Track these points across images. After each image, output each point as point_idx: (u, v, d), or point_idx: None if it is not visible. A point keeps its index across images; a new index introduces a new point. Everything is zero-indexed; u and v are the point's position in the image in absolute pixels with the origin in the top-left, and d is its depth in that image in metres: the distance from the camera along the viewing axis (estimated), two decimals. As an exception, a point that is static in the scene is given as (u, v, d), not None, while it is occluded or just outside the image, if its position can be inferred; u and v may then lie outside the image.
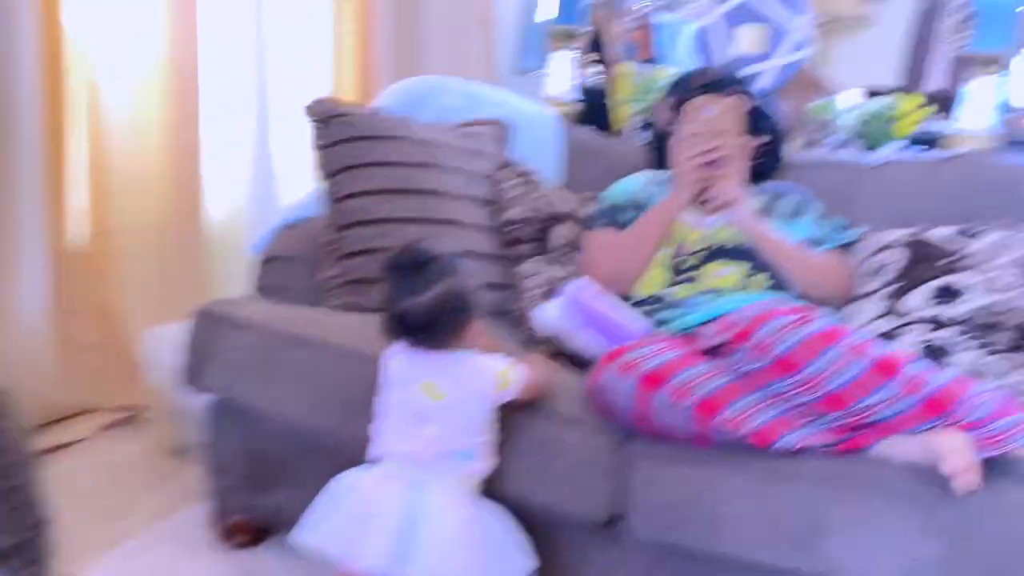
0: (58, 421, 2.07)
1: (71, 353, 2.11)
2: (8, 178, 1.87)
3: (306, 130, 1.78)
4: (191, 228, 2.25)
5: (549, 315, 1.56)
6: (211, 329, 1.49)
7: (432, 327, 1.25)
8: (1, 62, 1.81)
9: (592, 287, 1.54)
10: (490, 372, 1.29)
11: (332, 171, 1.75)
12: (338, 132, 1.76)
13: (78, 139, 2.08)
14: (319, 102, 1.79)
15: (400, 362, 1.30)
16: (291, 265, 1.73)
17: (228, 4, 2.33)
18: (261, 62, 2.40)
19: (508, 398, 1.29)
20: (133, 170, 2.11)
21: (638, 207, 1.84)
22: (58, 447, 1.98)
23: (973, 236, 1.59)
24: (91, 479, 1.86)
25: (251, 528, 1.62)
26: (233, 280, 2.39)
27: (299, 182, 2.47)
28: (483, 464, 1.29)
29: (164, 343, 1.93)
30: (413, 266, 1.25)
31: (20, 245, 1.91)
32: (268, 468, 1.55)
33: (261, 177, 2.44)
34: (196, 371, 1.50)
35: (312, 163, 1.78)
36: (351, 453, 1.44)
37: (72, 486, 1.81)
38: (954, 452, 1.16)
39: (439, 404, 1.27)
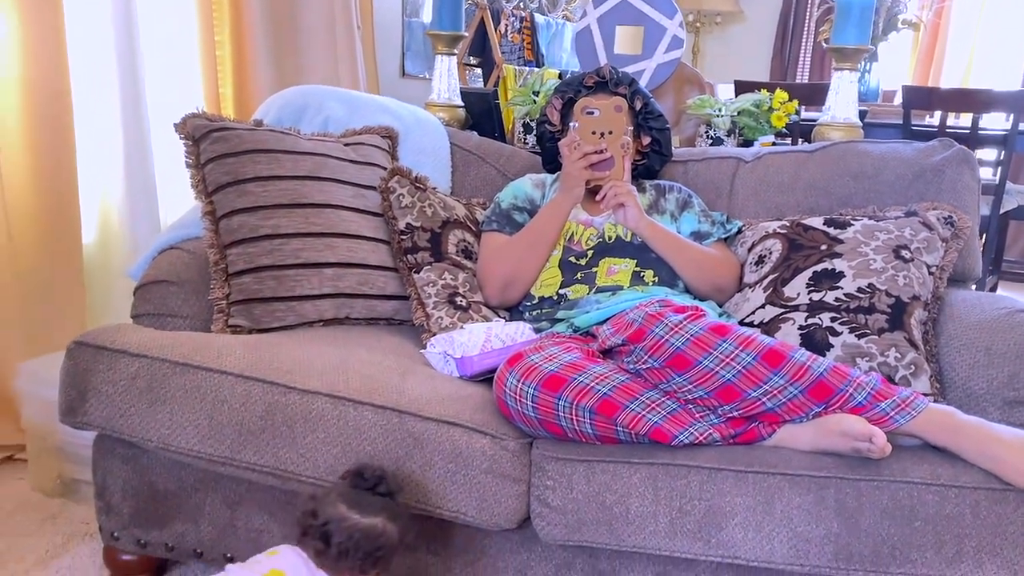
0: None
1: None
2: None
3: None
4: (65, 253, 2.12)
5: (442, 367, 1.56)
6: (88, 361, 1.40)
7: (345, 552, 1.16)
8: None
9: (477, 344, 1.54)
10: None
11: (211, 189, 1.69)
12: (214, 149, 1.70)
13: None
14: (189, 118, 1.72)
15: (285, 558, 1.19)
16: (172, 289, 1.66)
17: (95, 18, 2.21)
18: (134, 75, 2.28)
19: None
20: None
21: (531, 209, 1.85)
22: (-74, 496, 1.84)
23: (843, 224, 1.67)
24: (-35, 528, 1.74)
25: (147, 566, 1.55)
26: (112, 307, 2.28)
27: (180, 201, 2.37)
28: None
29: (40, 376, 1.82)
30: (365, 486, 1.21)
31: None
32: (160, 502, 1.48)
33: (138, 197, 2.33)
34: (74, 408, 1.41)
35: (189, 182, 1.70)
36: (247, 481, 1.40)
37: (-56, 538, 1.69)
38: (856, 423, 1.22)
39: None
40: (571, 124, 1.80)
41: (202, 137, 1.70)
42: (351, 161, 1.85)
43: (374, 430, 1.32)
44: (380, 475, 1.22)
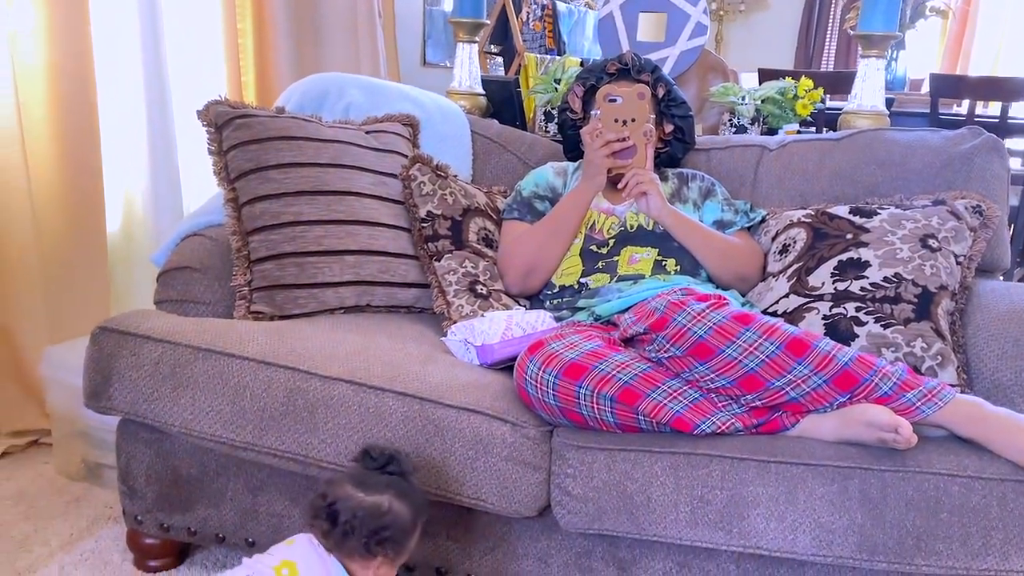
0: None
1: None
2: None
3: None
4: (90, 240, 2.14)
5: (463, 355, 1.56)
6: (113, 346, 1.42)
7: (350, 531, 1.14)
8: None
9: (497, 331, 1.53)
10: None
11: (233, 176, 1.69)
12: (236, 135, 1.70)
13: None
14: (212, 105, 1.73)
15: (298, 546, 1.17)
16: (195, 275, 1.67)
17: (120, 6, 2.22)
18: (157, 61, 2.30)
19: None
20: (20, 182, 1.99)
21: (552, 197, 1.84)
22: (-46, 479, 1.87)
23: (869, 213, 1.65)
24: (-7, 510, 1.76)
25: (169, 549, 1.56)
26: (135, 293, 2.30)
27: (205, 186, 2.38)
28: None
29: (65, 362, 1.84)
30: (373, 465, 1.18)
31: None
32: (183, 487, 1.49)
33: (162, 185, 2.35)
34: (99, 392, 1.42)
35: (212, 168, 1.71)
36: (268, 466, 1.41)
37: (-28, 520, 1.72)
38: (882, 414, 1.20)
39: None
40: (593, 112, 1.79)
41: (225, 124, 1.70)
42: (372, 149, 1.85)
43: (395, 416, 1.32)
44: (390, 455, 1.20)
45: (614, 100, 1.77)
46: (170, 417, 1.38)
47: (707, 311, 1.29)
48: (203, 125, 1.70)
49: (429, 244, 1.77)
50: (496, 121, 2.27)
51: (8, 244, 2.00)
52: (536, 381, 1.31)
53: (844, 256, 1.59)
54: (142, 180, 2.32)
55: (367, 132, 1.89)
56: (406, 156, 1.89)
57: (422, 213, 1.79)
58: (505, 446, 1.30)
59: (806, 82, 2.39)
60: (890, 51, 3.30)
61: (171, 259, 1.68)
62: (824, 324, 1.50)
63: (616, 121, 1.73)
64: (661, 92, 1.86)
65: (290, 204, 1.67)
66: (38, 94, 2.02)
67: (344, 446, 1.32)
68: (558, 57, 3.21)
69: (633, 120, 1.73)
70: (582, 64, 2.54)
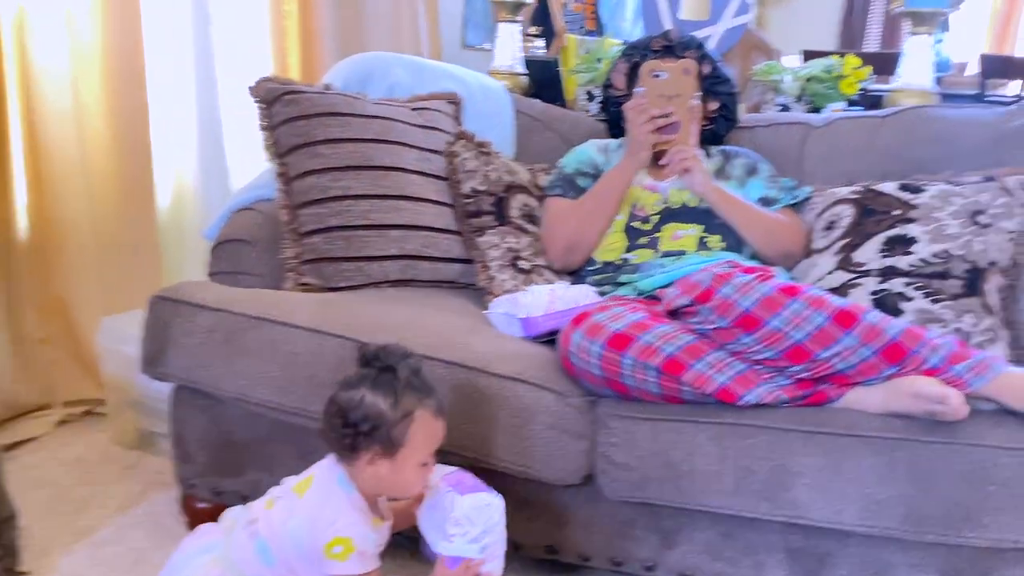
0: (14, 419, 2.01)
1: (24, 349, 2.05)
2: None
3: (254, 109, 1.75)
4: (141, 214, 2.20)
5: (505, 328, 1.57)
6: (168, 314, 1.46)
7: (335, 427, 1.12)
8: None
9: (541, 305, 1.54)
10: (316, 536, 1.11)
11: (283, 151, 1.73)
12: (286, 111, 1.73)
13: (17, 128, 2.01)
14: (263, 82, 1.76)
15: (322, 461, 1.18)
16: (245, 248, 1.71)
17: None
18: (205, 41, 2.34)
19: (335, 572, 1.11)
20: (75, 157, 2.04)
21: (594, 174, 1.85)
22: (16, 444, 1.93)
23: (917, 189, 1.63)
24: (54, 474, 1.82)
25: (221, 513, 1.60)
26: (187, 266, 2.35)
27: (251, 163, 2.42)
28: None
29: (120, 333, 1.89)
30: (380, 365, 1.13)
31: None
32: (234, 452, 1.53)
33: (211, 160, 2.39)
34: (155, 358, 1.47)
35: (261, 143, 1.74)
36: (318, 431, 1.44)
37: (35, 481, 1.78)
38: (930, 385, 1.20)
39: (267, 513, 1.17)
40: (637, 88, 1.79)
41: (275, 100, 1.73)
42: (417, 125, 1.87)
43: (442, 384, 1.34)
44: (375, 350, 1.14)
45: (659, 76, 1.76)
46: (223, 383, 1.42)
47: (753, 283, 1.29)
48: (254, 101, 1.73)
49: (472, 220, 1.79)
50: (538, 100, 2.28)
51: (64, 219, 2.06)
52: (581, 352, 1.32)
53: (891, 232, 1.57)
54: (191, 157, 2.37)
55: (412, 109, 1.91)
56: (450, 133, 1.91)
57: (465, 189, 1.80)
58: (550, 415, 1.32)
59: (852, 60, 2.37)
60: (936, 32, 3.24)
61: (223, 232, 1.72)
62: (871, 300, 1.49)
63: (660, 97, 1.73)
64: (706, 69, 1.85)
65: (338, 179, 1.70)
66: (92, 72, 2.08)
67: (392, 413, 1.35)
68: (598, 37, 3.21)
69: (678, 96, 1.73)
70: (633, 40, 2.53)
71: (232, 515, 1.22)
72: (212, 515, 1.59)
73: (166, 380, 1.49)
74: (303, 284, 1.64)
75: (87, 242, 2.09)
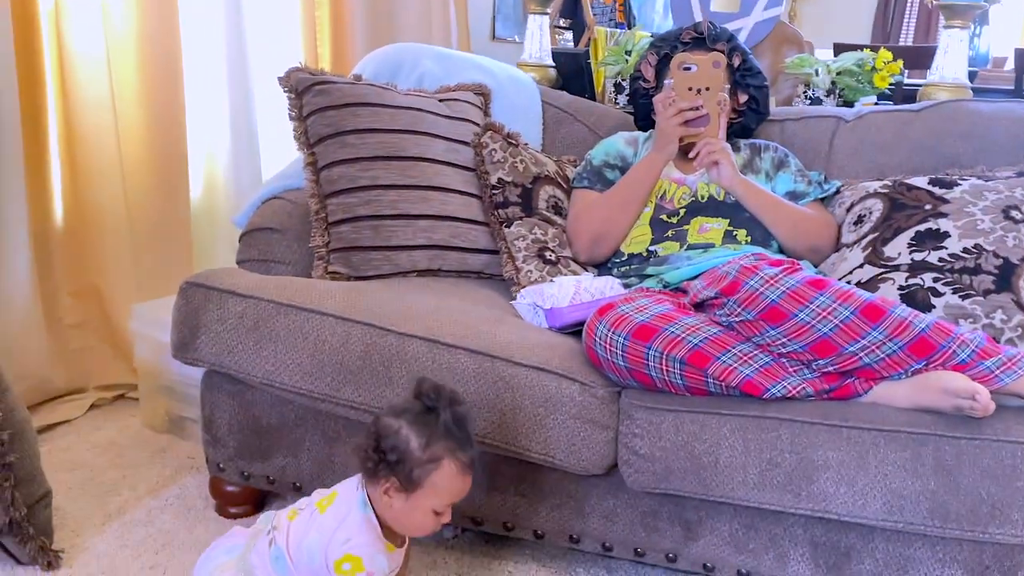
0: (48, 402, 2.05)
1: (58, 334, 2.09)
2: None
3: (285, 99, 1.76)
4: (174, 203, 2.23)
5: (531, 318, 1.58)
6: (199, 301, 1.48)
7: (366, 447, 1.13)
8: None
9: (566, 295, 1.55)
10: (328, 552, 1.13)
11: (313, 140, 1.74)
12: (316, 101, 1.75)
13: (53, 117, 2.05)
14: (293, 72, 1.78)
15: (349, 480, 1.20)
16: (275, 236, 1.73)
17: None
18: (238, 31, 2.37)
19: None
20: (111, 146, 2.08)
21: (622, 166, 1.85)
22: (50, 427, 1.97)
23: (949, 184, 1.62)
24: (86, 456, 1.86)
25: (249, 497, 1.63)
26: (218, 254, 2.39)
27: (282, 153, 2.45)
28: None
29: (152, 319, 1.92)
30: (428, 404, 1.14)
31: (2, 225, 1.89)
32: (263, 437, 1.55)
33: (243, 149, 2.42)
34: (186, 344, 1.49)
35: (292, 133, 1.76)
36: (345, 418, 1.46)
37: (68, 463, 1.82)
38: (958, 380, 1.19)
39: (289, 524, 1.18)
40: (666, 80, 1.78)
41: (305, 90, 1.75)
42: (445, 116, 1.88)
43: (467, 373, 1.36)
44: (431, 387, 1.14)
45: (688, 68, 1.76)
46: (252, 368, 1.44)
47: (780, 275, 1.29)
48: (284, 91, 1.75)
49: (499, 211, 1.79)
50: (566, 92, 2.28)
51: (99, 207, 2.10)
52: (605, 342, 1.33)
53: (922, 227, 1.56)
54: (223, 147, 2.40)
55: (440, 100, 1.92)
56: (478, 124, 1.92)
57: (493, 180, 1.81)
58: (574, 405, 1.32)
59: (885, 54, 2.34)
60: (973, 26, 3.19)
61: (253, 220, 1.75)
62: (900, 294, 1.48)
63: (690, 89, 1.73)
64: (736, 61, 1.84)
65: (367, 168, 1.72)
66: (128, 62, 2.11)
67: (418, 400, 1.37)
68: (628, 30, 3.20)
69: (707, 89, 1.73)
70: (663, 32, 2.53)
71: (263, 518, 1.25)
72: (240, 498, 1.63)
73: (197, 365, 1.51)
74: (331, 272, 1.66)
75: (121, 229, 2.13)
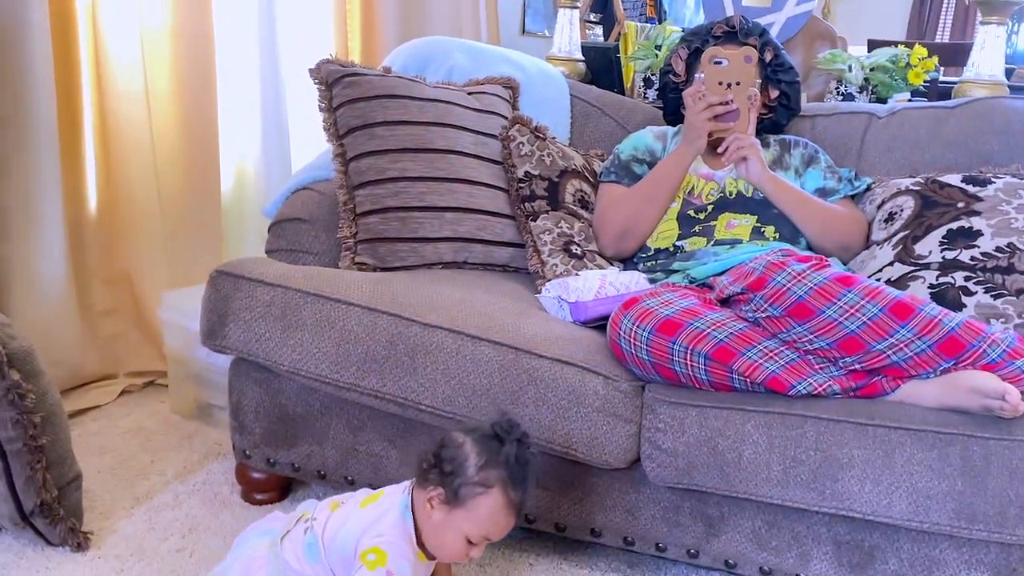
0: (80, 387, 2.09)
1: (90, 320, 2.13)
2: (25, 147, 1.87)
3: (315, 91, 1.78)
4: (205, 194, 2.26)
5: (555, 312, 1.58)
6: (228, 289, 1.50)
7: (427, 452, 1.16)
8: (12, 30, 1.81)
9: (591, 289, 1.54)
10: (359, 542, 1.15)
11: (342, 132, 1.75)
12: (346, 93, 1.76)
13: (89, 109, 2.08)
14: (324, 64, 1.79)
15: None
16: (304, 227, 1.75)
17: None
18: (269, 24, 2.39)
19: None
20: (144, 138, 2.11)
21: (650, 161, 1.84)
22: (81, 412, 2.01)
23: (983, 182, 1.59)
24: (115, 441, 1.89)
25: (274, 484, 1.65)
26: (247, 244, 2.41)
27: (311, 147, 2.47)
28: None
29: (181, 307, 1.95)
30: (498, 431, 1.16)
31: (38, 213, 1.92)
32: (289, 424, 1.57)
33: (273, 141, 2.45)
34: (215, 332, 1.51)
35: (321, 125, 1.78)
36: (369, 407, 1.47)
37: (98, 448, 1.85)
38: (988, 380, 1.17)
39: (329, 514, 1.20)
40: (697, 74, 1.77)
41: (335, 82, 1.76)
42: (474, 109, 1.89)
43: (491, 365, 1.36)
44: (508, 422, 1.17)
45: (720, 63, 1.75)
46: (279, 356, 1.46)
47: (808, 271, 1.28)
48: (315, 82, 1.76)
49: (525, 204, 1.80)
50: (595, 86, 2.27)
51: (132, 197, 2.13)
52: (630, 336, 1.32)
53: (954, 225, 1.54)
54: (254, 140, 2.42)
55: (469, 93, 1.93)
56: (506, 117, 1.92)
57: (520, 173, 1.81)
58: (597, 398, 1.32)
59: (919, 50, 2.31)
60: (1010, 23, 3.14)
61: (282, 211, 1.76)
62: (930, 293, 1.46)
63: (720, 84, 1.72)
64: (768, 56, 1.82)
65: (395, 160, 1.73)
66: (162, 54, 2.14)
67: (441, 390, 1.37)
68: (658, 25, 3.18)
69: (738, 83, 1.71)
70: (694, 26, 2.51)
71: (303, 507, 1.26)
72: (266, 485, 1.65)
73: (225, 352, 1.53)
74: (358, 263, 1.67)
75: (153, 219, 2.16)
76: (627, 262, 1.80)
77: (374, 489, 1.24)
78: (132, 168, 2.11)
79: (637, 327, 1.32)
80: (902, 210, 1.64)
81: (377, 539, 1.13)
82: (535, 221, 1.78)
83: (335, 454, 1.55)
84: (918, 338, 1.22)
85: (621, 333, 1.34)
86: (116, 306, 2.19)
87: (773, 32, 2.32)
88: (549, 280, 1.68)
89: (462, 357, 1.37)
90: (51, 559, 1.44)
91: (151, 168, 2.13)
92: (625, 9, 3.71)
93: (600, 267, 1.74)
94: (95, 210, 2.13)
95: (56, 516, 1.42)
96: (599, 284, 1.57)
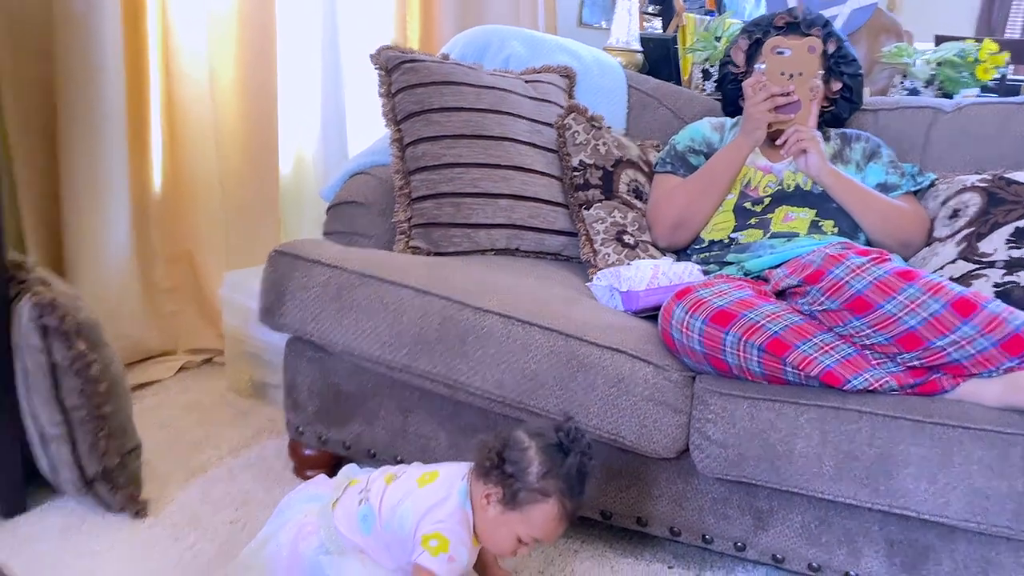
0: (141, 362, 2.15)
1: (153, 297, 2.19)
2: (94, 128, 1.93)
3: (374, 78, 1.80)
4: (265, 177, 2.31)
5: (607, 301, 1.58)
6: (286, 268, 1.53)
7: (491, 448, 1.17)
8: (85, 15, 1.86)
9: (644, 279, 1.54)
10: (420, 524, 1.16)
11: (400, 117, 1.77)
12: (404, 79, 1.78)
13: (157, 96, 2.14)
14: (383, 50, 1.81)
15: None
16: (360, 210, 1.77)
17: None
18: (331, 11, 2.43)
19: (422, 561, 1.14)
20: (208, 124, 2.16)
21: (707, 152, 1.82)
22: (141, 386, 2.07)
23: (1055, 179, 1.54)
24: (173, 415, 1.95)
25: (325, 461, 1.68)
26: (304, 227, 2.46)
27: (367, 136, 2.51)
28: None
29: (241, 286, 1.99)
30: (564, 440, 1.16)
31: (106, 192, 1.98)
32: (341, 403, 1.60)
33: (331, 126, 2.49)
34: (272, 310, 1.54)
35: (380, 110, 1.80)
36: (420, 389, 1.49)
37: (156, 421, 1.90)
38: None
39: (385, 487, 1.21)
40: (757, 65, 1.75)
41: (394, 68, 1.78)
42: (530, 97, 1.89)
43: (541, 350, 1.37)
44: (572, 429, 1.17)
45: (782, 52, 1.72)
46: (333, 336, 1.48)
47: (867, 265, 1.25)
48: (375, 68, 1.78)
49: (579, 193, 1.79)
50: (653, 77, 2.25)
51: (195, 180, 2.19)
52: (682, 326, 1.32)
53: (1022, 223, 1.49)
54: (313, 126, 2.47)
55: (526, 81, 1.93)
56: (562, 106, 1.92)
57: (574, 162, 1.81)
58: (647, 387, 1.32)
59: (989, 45, 2.24)
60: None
61: (339, 194, 1.79)
62: (995, 292, 1.42)
63: (782, 75, 1.69)
64: (832, 48, 1.79)
65: (450, 146, 1.74)
66: (227, 40, 2.18)
67: (491, 374, 1.38)
68: (717, 16, 3.14)
69: (800, 75, 1.68)
70: (757, 16, 2.48)
71: (347, 473, 1.28)
72: (317, 462, 1.68)
73: (281, 330, 1.56)
74: (412, 247, 1.69)
75: (214, 201, 2.21)
76: (680, 253, 1.79)
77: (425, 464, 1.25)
78: (195, 151, 2.17)
79: (690, 317, 1.31)
80: (967, 207, 1.60)
81: (439, 525, 1.15)
82: (588, 210, 1.78)
83: (385, 434, 1.57)
84: (981, 335, 1.19)
85: (673, 322, 1.33)
86: (177, 284, 2.25)
87: (837, 25, 2.27)
88: (601, 269, 1.68)
89: (512, 342, 1.38)
90: (111, 524, 1.49)
91: (213, 151, 2.18)
92: (684, 1, 3.67)
93: (653, 258, 1.73)
94: (159, 191, 2.19)
95: (116, 483, 1.47)
96: (651, 274, 1.56)
